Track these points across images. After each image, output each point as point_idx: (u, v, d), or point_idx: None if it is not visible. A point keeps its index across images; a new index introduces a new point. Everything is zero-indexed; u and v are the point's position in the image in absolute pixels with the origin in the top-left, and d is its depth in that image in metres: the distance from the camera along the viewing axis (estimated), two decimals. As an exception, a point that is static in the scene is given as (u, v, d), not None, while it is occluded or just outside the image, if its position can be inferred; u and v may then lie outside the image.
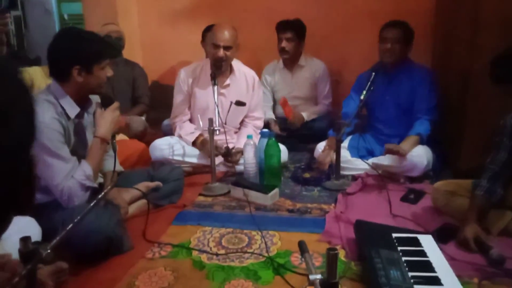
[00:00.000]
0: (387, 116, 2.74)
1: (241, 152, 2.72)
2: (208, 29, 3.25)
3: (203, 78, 2.78)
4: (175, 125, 2.86)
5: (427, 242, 1.74)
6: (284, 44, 3.22)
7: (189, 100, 2.83)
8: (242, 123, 2.95)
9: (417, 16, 3.30)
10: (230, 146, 2.69)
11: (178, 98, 2.84)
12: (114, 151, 1.96)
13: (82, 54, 1.80)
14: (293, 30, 3.22)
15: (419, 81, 2.62)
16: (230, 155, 2.67)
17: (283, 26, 3.23)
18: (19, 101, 0.54)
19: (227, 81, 2.78)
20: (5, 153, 0.52)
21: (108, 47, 1.91)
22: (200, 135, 2.77)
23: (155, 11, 3.89)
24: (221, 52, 2.61)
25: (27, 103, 0.56)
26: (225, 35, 2.60)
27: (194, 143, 2.76)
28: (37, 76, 2.46)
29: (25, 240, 1.07)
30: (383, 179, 2.53)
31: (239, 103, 2.62)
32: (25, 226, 1.63)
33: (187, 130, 2.80)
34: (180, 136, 2.81)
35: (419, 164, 2.51)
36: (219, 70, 2.67)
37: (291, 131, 3.16)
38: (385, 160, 2.59)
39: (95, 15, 3.58)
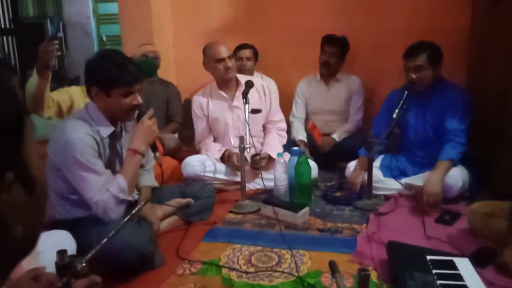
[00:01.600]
0: (420, 137, 2.68)
1: (266, 157, 2.75)
2: (238, 48, 3.36)
3: (215, 98, 2.88)
4: (201, 149, 2.93)
5: (464, 266, 1.68)
6: (327, 57, 3.28)
7: (208, 123, 2.91)
8: (265, 130, 2.99)
9: (452, 33, 3.27)
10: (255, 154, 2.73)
11: (198, 124, 2.92)
12: (160, 165, 2.01)
13: (99, 75, 1.84)
14: (339, 45, 3.28)
15: (452, 102, 2.54)
16: (255, 162, 2.68)
17: (330, 40, 3.30)
18: None
19: (236, 93, 2.84)
20: None
21: (131, 75, 1.85)
22: (225, 151, 2.80)
23: (189, 32, 4.00)
24: (229, 63, 2.72)
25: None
26: (222, 47, 2.75)
27: (221, 159, 2.80)
28: (76, 95, 2.55)
29: (61, 253, 1.10)
30: (417, 199, 2.47)
31: (255, 111, 2.65)
32: (61, 240, 1.68)
33: (213, 149, 2.85)
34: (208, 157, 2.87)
35: (454, 185, 2.43)
36: (251, 87, 2.72)
37: (320, 154, 3.14)
38: (418, 180, 2.53)
39: (132, 36, 3.71)
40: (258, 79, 3.01)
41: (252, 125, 2.77)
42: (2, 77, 0.45)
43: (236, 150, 2.54)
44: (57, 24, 2.13)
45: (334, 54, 3.28)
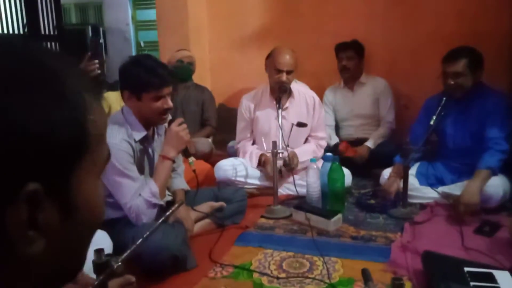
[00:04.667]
0: (459, 144, 2.60)
1: (295, 155, 2.71)
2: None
3: (264, 102, 2.86)
4: (238, 151, 2.94)
5: (504, 279, 1.61)
6: (345, 62, 3.28)
7: (251, 125, 2.92)
8: (305, 142, 2.96)
9: (494, 38, 3.16)
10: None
11: (241, 125, 2.94)
12: (193, 170, 2.03)
13: (129, 79, 1.89)
14: (352, 48, 3.28)
15: (492, 108, 2.45)
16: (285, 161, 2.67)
17: (342, 47, 3.32)
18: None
19: (286, 104, 2.82)
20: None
21: (160, 79, 1.86)
22: (262, 155, 2.79)
23: (225, 38, 4.05)
24: (284, 77, 2.65)
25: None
26: (287, 60, 2.65)
27: (258, 165, 2.81)
28: (113, 101, 2.62)
29: (99, 252, 1.14)
30: (454, 209, 2.39)
31: (301, 124, 2.63)
32: (99, 239, 1.73)
33: (249, 155, 2.85)
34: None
35: (494, 195, 2.34)
36: (284, 93, 2.72)
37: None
38: (456, 189, 2.45)
39: (169, 42, 3.80)
40: (310, 91, 2.98)
41: (294, 138, 2.76)
42: (79, 104, 0.43)
43: (269, 154, 2.54)
44: (99, 43, 2.17)
45: (351, 58, 3.27)
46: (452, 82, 2.46)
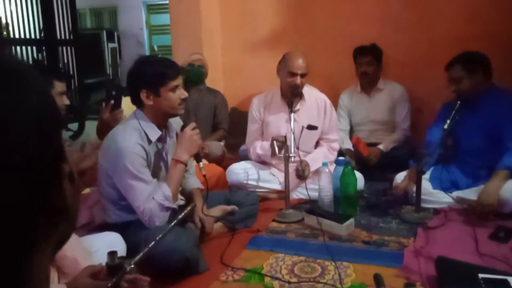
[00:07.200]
0: (475, 146, 2.57)
1: (308, 165, 2.69)
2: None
3: (274, 105, 2.85)
4: (249, 150, 2.94)
5: (519, 286, 1.59)
6: (364, 68, 3.25)
7: (262, 127, 2.91)
8: (317, 145, 2.95)
9: (505, 39, 3.12)
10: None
11: (252, 126, 2.93)
12: (204, 175, 2.03)
13: (145, 77, 1.90)
14: (372, 54, 3.26)
15: (506, 108, 2.44)
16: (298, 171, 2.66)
17: (362, 51, 3.29)
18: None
19: (297, 106, 2.80)
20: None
21: (173, 69, 1.93)
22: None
23: (238, 42, 4.07)
24: (298, 80, 2.66)
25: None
26: (301, 63, 2.66)
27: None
28: (124, 106, 2.61)
29: (112, 254, 1.15)
30: (469, 214, 2.36)
31: (311, 127, 2.62)
32: (113, 242, 1.75)
33: (262, 147, 2.82)
34: (257, 155, 2.85)
35: (510, 199, 2.30)
36: (296, 96, 2.72)
37: (367, 165, 3.08)
38: (471, 194, 2.42)
39: (182, 46, 3.82)
40: (321, 94, 2.95)
41: (305, 140, 2.75)
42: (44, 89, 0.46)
43: (280, 157, 2.53)
44: (119, 93, 2.32)
45: (370, 63, 3.25)
46: (454, 88, 2.48)
